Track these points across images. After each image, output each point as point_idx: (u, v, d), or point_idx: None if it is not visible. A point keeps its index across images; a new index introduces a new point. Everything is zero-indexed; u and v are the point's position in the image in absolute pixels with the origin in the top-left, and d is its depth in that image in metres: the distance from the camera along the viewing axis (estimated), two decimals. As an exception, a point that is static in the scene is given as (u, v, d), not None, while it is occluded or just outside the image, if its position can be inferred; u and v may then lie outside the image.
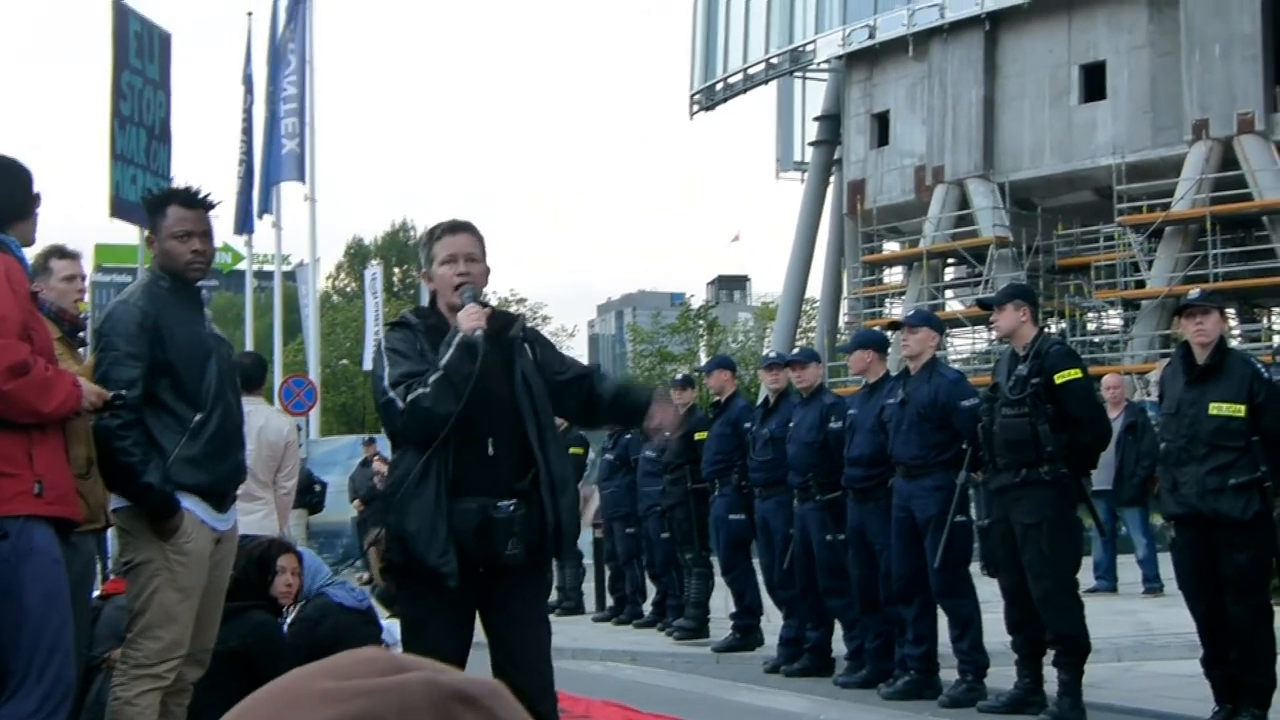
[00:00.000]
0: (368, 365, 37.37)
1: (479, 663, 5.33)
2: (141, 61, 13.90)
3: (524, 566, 5.24)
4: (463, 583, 5.13)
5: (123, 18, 13.70)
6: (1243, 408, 7.59)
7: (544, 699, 5.26)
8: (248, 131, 27.26)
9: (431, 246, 5.45)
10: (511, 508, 5.16)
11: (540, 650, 5.38)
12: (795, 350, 12.32)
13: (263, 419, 9.49)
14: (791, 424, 10.66)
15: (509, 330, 5.38)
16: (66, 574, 5.17)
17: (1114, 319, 39.18)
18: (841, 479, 9.95)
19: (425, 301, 5.62)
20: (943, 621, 9.38)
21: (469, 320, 5.12)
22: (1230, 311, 35.97)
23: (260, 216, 27.30)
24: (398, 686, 1.18)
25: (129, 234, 13.73)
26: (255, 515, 8.85)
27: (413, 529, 5.12)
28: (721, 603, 12.93)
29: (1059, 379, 8.34)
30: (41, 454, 5.05)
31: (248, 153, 27.14)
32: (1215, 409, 7.62)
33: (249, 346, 27.08)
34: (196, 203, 5.96)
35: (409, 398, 5.08)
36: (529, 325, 5.61)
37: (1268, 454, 7.60)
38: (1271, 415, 7.65)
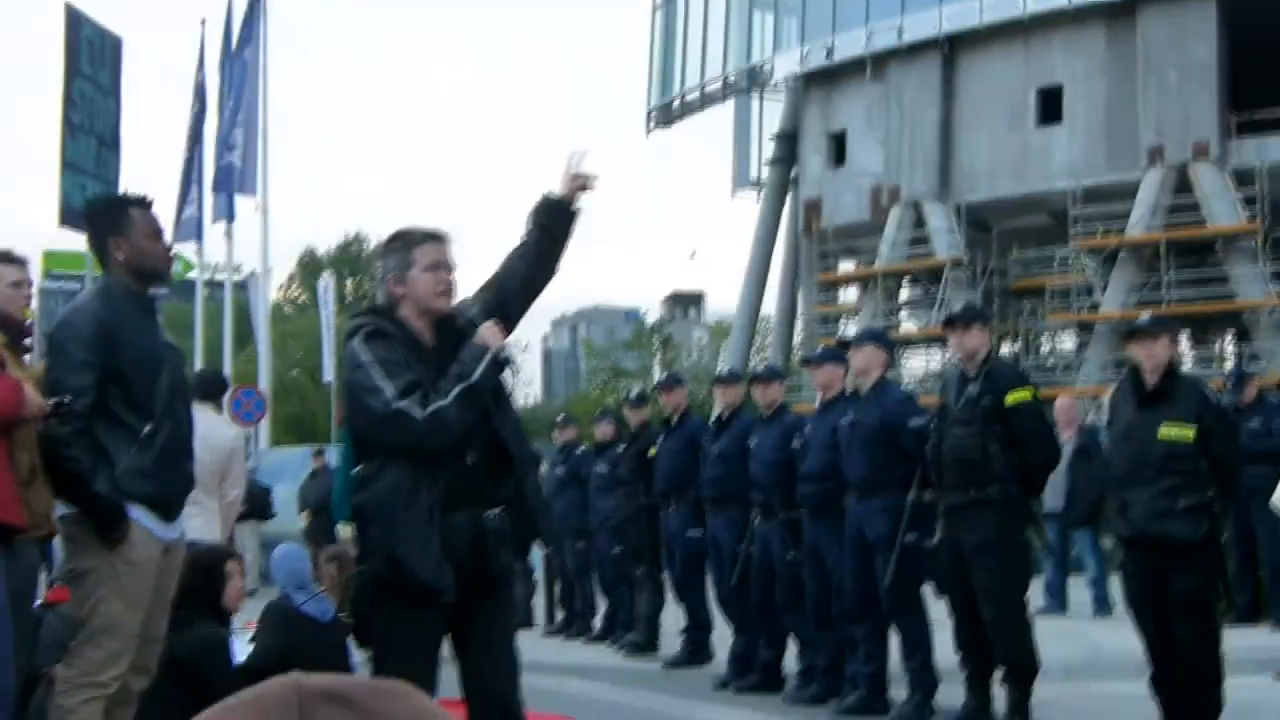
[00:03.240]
0: (327, 377, 37.24)
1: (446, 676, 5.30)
2: (93, 69, 13.84)
3: (498, 577, 5.24)
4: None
5: (76, 24, 13.62)
6: (1192, 431, 7.61)
7: (514, 707, 5.28)
8: (197, 139, 27.02)
9: (410, 251, 5.29)
10: (498, 517, 5.14)
11: (511, 659, 5.35)
12: (761, 367, 12.24)
13: (207, 425, 9.43)
14: (753, 443, 10.63)
15: (457, 324, 5.32)
16: (5, 582, 5.10)
17: (1067, 342, 39.50)
18: (796, 495, 9.95)
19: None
20: (894, 639, 9.37)
21: (496, 339, 5.09)
22: (1183, 336, 36.27)
23: (215, 222, 27.10)
24: (258, 694, 1.19)
25: (78, 241, 13.61)
26: (193, 520, 8.76)
27: (405, 546, 5.00)
28: (671, 618, 12.90)
29: (1010, 400, 8.36)
30: (-19, 459, 4.98)
31: (197, 161, 26.90)
32: (1164, 432, 7.64)
33: (199, 356, 26.92)
34: (149, 204, 6.00)
35: (429, 409, 4.97)
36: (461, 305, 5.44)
37: (1216, 477, 7.63)
38: (1220, 439, 7.68)
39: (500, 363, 5.04)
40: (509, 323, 5.42)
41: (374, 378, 5.05)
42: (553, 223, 5.40)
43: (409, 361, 5.12)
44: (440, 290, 5.25)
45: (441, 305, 5.27)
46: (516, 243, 5.50)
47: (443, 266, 5.27)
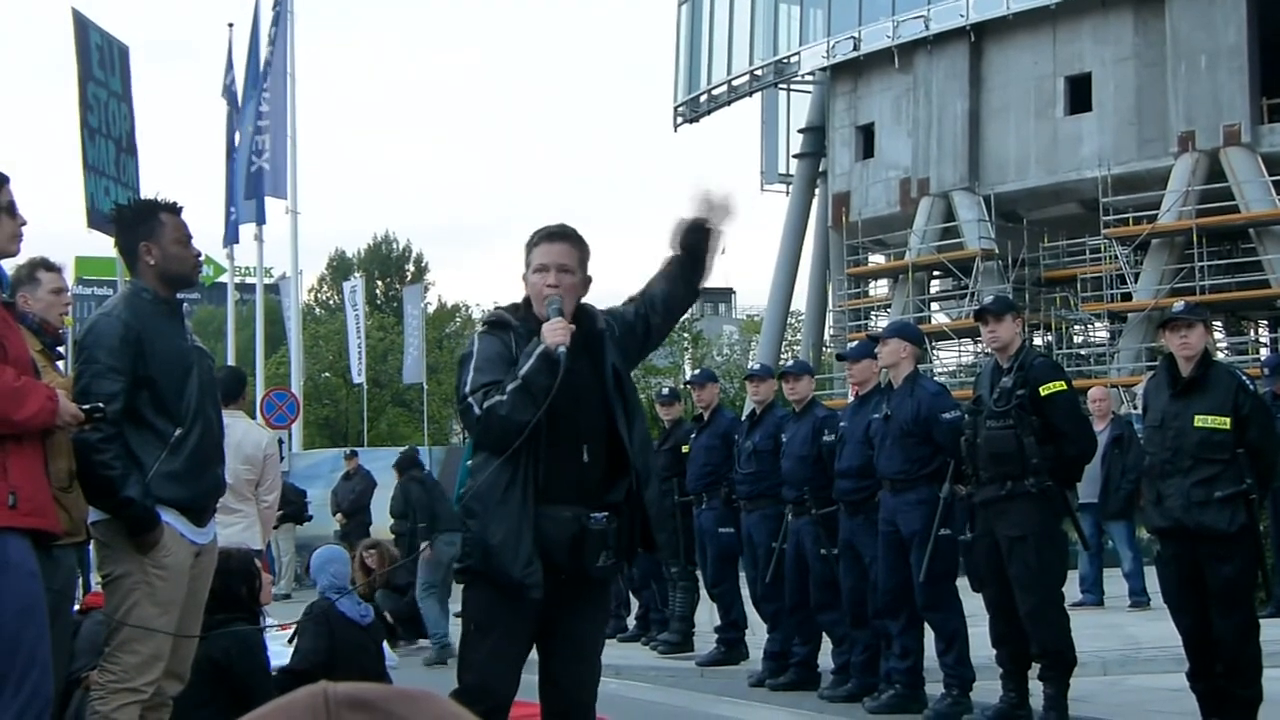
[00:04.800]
0: (357, 379, 37.31)
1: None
2: (104, 73, 14.00)
3: (599, 579, 5.29)
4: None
5: (84, 30, 13.77)
6: (1227, 420, 7.56)
7: (589, 716, 5.34)
8: (230, 144, 27.10)
9: (530, 252, 5.38)
10: (605, 519, 5.15)
11: (595, 668, 5.41)
12: (789, 362, 12.21)
13: (241, 432, 9.44)
14: (784, 438, 10.60)
15: (597, 325, 5.32)
16: (44, 587, 5.11)
17: (1100, 332, 39.25)
18: (833, 492, 9.91)
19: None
20: (929, 635, 9.34)
21: (553, 335, 5.06)
22: (1217, 324, 36.07)
23: (244, 223, 27.12)
24: (286, 702, 1.20)
25: (108, 246, 13.71)
26: (234, 528, 8.80)
27: (497, 540, 5.05)
28: (706, 616, 12.87)
29: (1044, 391, 8.31)
30: (16, 465, 4.99)
31: (231, 165, 26.99)
32: (1200, 421, 7.59)
33: (230, 359, 26.96)
34: (180, 210, 6.00)
35: (485, 404, 5.03)
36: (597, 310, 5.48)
37: (1252, 466, 7.57)
38: (1256, 427, 7.63)
39: (553, 360, 5.01)
40: (651, 337, 5.57)
41: (466, 370, 5.19)
42: (694, 243, 5.47)
43: (520, 359, 5.13)
44: (547, 293, 5.25)
45: (543, 310, 5.26)
46: (661, 263, 5.56)
47: (551, 268, 5.28)
